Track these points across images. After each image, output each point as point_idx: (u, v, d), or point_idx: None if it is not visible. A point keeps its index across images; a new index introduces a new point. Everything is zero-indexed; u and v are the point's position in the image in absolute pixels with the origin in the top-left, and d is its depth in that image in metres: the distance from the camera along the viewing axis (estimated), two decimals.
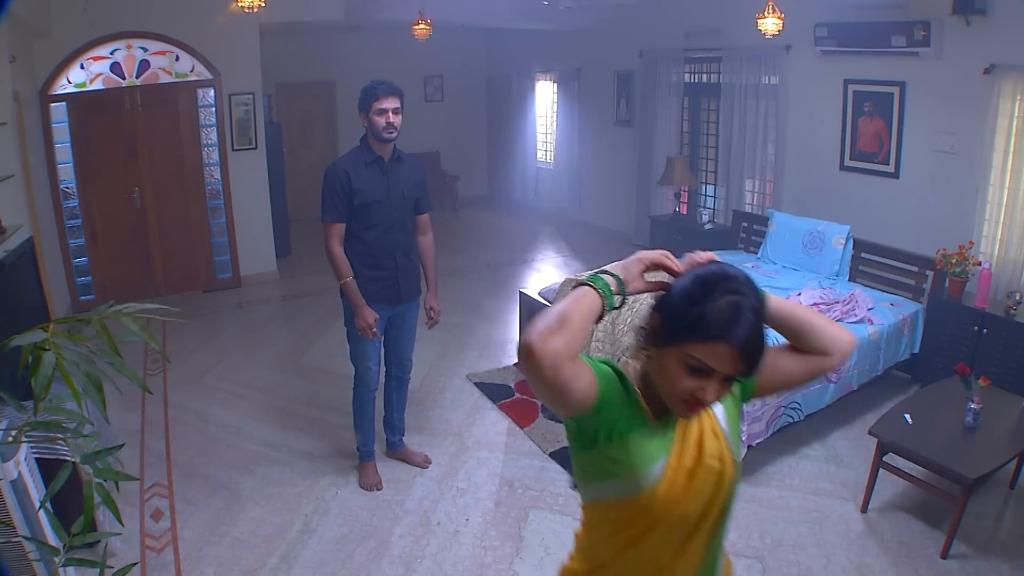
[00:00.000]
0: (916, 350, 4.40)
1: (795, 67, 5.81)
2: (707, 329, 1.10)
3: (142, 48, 5.89)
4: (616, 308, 1.19)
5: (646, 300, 1.26)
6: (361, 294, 3.17)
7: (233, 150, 6.40)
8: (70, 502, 2.37)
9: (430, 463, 3.64)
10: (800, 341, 1.32)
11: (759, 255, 5.46)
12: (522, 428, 3.98)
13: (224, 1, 5.90)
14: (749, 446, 3.42)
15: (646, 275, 1.24)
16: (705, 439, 1.28)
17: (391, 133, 3.10)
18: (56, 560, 1.62)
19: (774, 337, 1.25)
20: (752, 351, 1.12)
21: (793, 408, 3.62)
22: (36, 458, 2.36)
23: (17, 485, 2.10)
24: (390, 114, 3.07)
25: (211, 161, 6.36)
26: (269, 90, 7.91)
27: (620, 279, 1.20)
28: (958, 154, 4.69)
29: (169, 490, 3.42)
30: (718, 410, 1.33)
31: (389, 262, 3.25)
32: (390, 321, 3.39)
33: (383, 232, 3.21)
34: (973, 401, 3.08)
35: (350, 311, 3.22)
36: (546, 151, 9.79)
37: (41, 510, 2.14)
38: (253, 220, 6.63)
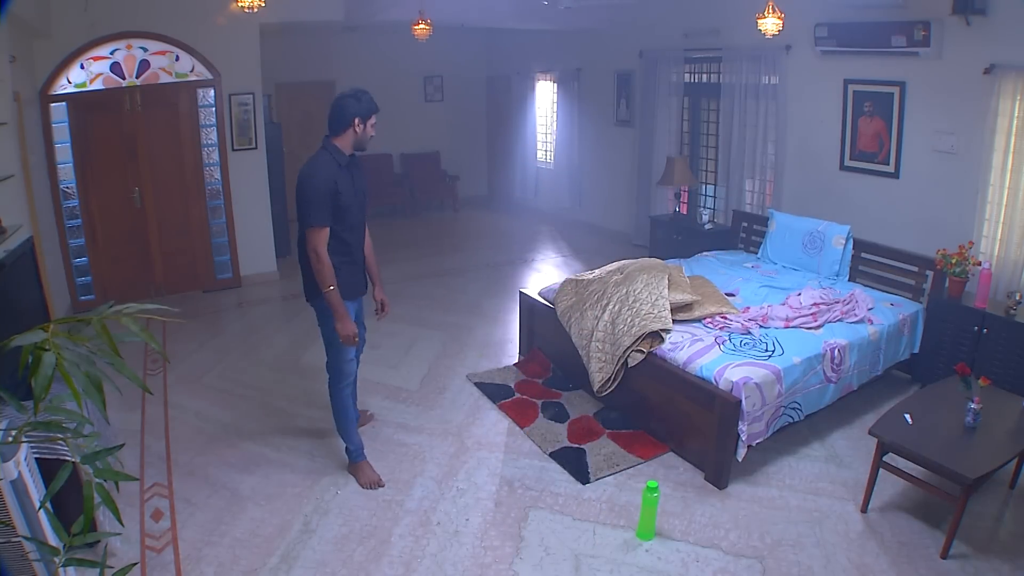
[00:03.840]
0: (916, 350, 4.40)
1: (795, 67, 5.81)
2: None
3: (142, 48, 5.89)
4: None
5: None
6: (344, 291, 3.22)
7: (233, 150, 6.41)
8: (70, 502, 2.37)
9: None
10: None
11: (759, 255, 5.46)
12: (522, 428, 3.98)
13: (224, 1, 5.90)
14: (749, 446, 3.42)
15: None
16: None
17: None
18: (56, 560, 1.62)
19: None
20: None
21: (793, 408, 3.62)
22: (36, 458, 2.36)
23: (17, 485, 2.10)
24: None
25: (211, 161, 6.37)
26: (269, 90, 7.92)
27: None
28: (958, 154, 4.69)
29: (169, 490, 3.42)
30: None
31: (360, 259, 3.38)
32: (357, 313, 3.50)
33: (357, 231, 3.31)
34: (973, 401, 3.08)
35: (329, 314, 3.22)
36: (546, 151, 9.79)
37: (41, 510, 2.14)
38: (253, 220, 6.63)
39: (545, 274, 7.06)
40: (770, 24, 4.61)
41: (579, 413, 4.12)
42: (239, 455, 3.75)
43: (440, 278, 6.96)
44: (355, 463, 3.53)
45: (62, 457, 2.40)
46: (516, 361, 4.90)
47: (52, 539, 2.11)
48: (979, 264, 4.26)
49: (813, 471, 3.57)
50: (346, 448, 3.55)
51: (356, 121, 3.17)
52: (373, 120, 3.23)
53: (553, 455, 3.69)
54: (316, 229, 3.10)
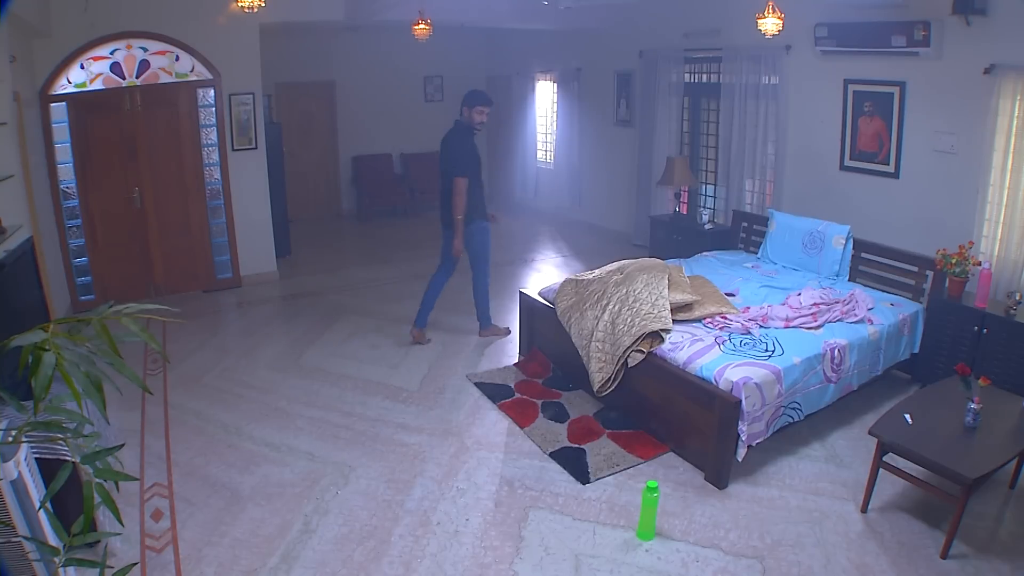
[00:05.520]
0: (916, 350, 4.40)
1: (795, 67, 5.81)
2: None
3: (142, 48, 5.89)
4: None
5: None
6: (480, 213, 5.11)
7: (233, 150, 6.40)
8: (70, 502, 2.37)
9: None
10: None
11: (759, 255, 5.46)
12: (522, 428, 3.98)
13: (224, 1, 5.90)
14: (749, 446, 3.42)
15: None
16: None
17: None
18: (56, 560, 1.62)
19: None
20: None
21: (793, 408, 3.62)
22: (36, 458, 2.36)
23: (17, 485, 2.10)
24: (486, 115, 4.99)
25: (211, 161, 6.37)
26: (269, 90, 7.92)
27: None
28: (958, 154, 4.69)
29: (169, 490, 3.42)
30: None
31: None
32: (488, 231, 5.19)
33: (478, 174, 5.14)
34: (973, 401, 3.07)
35: (478, 234, 5.09)
36: (546, 151, 9.79)
37: (41, 510, 2.14)
38: (253, 220, 6.63)
39: (545, 274, 7.06)
40: (770, 24, 4.61)
41: (579, 413, 4.12)
42: (239, 455, 3.75)
43: None
44: (487, 328, 5.39)
45: (62, 457, 2.40)
46: (516, 361, 4.90)
47: (52, 539, 2.11)
48: (979, 264, 4.26)
49: (813, 471, 3.57)
50: (482, 321, 5.36)
51: (465, 109, 4.92)
52: (481, 109, 4.89)
53: (553, 455, 3.69)
54: (462, 178, 4.90)
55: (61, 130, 5.70)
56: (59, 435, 1.57)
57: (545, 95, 9.57)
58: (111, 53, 5.78)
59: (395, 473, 3.55)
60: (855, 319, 4.11)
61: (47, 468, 2.33)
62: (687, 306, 4.11)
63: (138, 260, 6.28)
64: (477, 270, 5.23)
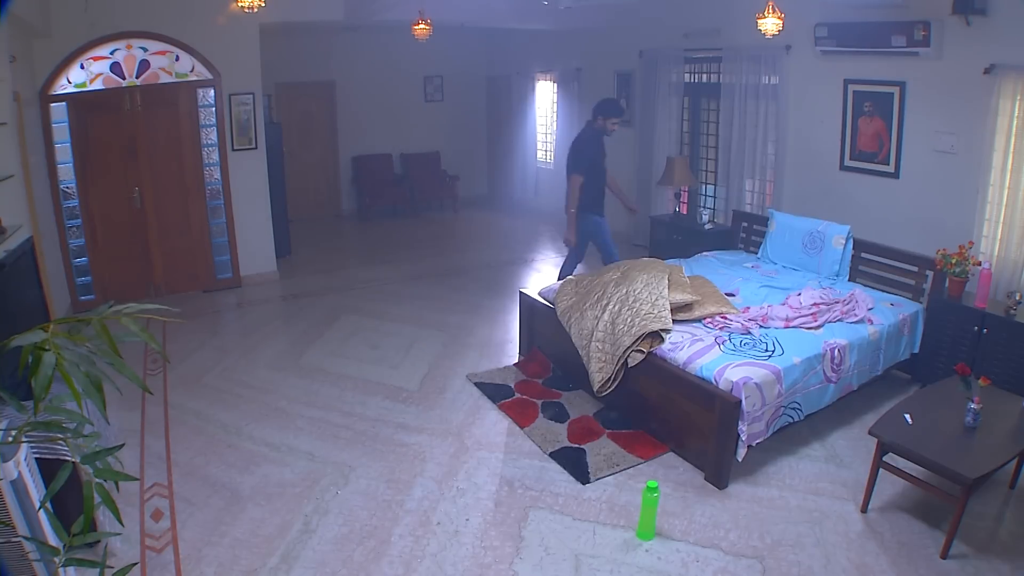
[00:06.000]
0: (916, 350, 4.40)
1: (795, 67, 5.81)
2: None
3: (142, 48, 5.89)
4: None
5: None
6: (595, 208, 5.46)
7: (233, 150, 6.40)
8: (70, 502, 2.37)
9: None
10: None
11: (759, 255, 5.46)
12: (522, 428, 3.98)
13: (224, 1, 5.90)
14: (749, 446, 3.42)
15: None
16: None
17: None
18: (56, 560, 1.62)
19: None
20: None
21: (793, 408, 3.62)
22: (36, 458, 2.36)
23: (17, 485, 2.10)
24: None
25: (211, 161, 6.37)
26: (269, 90, 7.92)
27: None
28: (958, 154, 4.69)
29: (169, 490, 3.42)
30: None
31: (600, 190, 5.57)
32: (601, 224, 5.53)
33: (600, 174, 5.51)
34: (973, 401, 3.08)
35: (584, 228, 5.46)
36: (546, 151, 9.79)
37: (41, 510, 2.14)
38: (253, 220, 6.63)
39: (545, 274, 7.06)
40: (770, 24, 4.61)
41: (579, 413, 4.12)
42: (239, 455, 3.75)
43: (440, 278, 6.96)
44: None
45: (62, 457, 2.40)
46: (516, 361, 4.90)
47: (52, 539, 2.11)
48: (979, 264, 4.26)
49: (813, 471, 3.57)
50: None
51: (599, 118, 5.32)
52: (613, 120, 5.29)
53: (553, 455, 3.69)
54: (577, 175, 5.31)
55: (61, 130, 5.70)
56: (59, 435, 1.58)
57: (545, 95, 9.58)
58: (111, 53, 5.78)
59: (395, 473, 3.55)
60: (855, 319, 4.11)
61: (47, 468, 2.33)
62: (687, 306, 4.11)
63: (138, 260, 6.28)
64: (572, 255, 5.66)
